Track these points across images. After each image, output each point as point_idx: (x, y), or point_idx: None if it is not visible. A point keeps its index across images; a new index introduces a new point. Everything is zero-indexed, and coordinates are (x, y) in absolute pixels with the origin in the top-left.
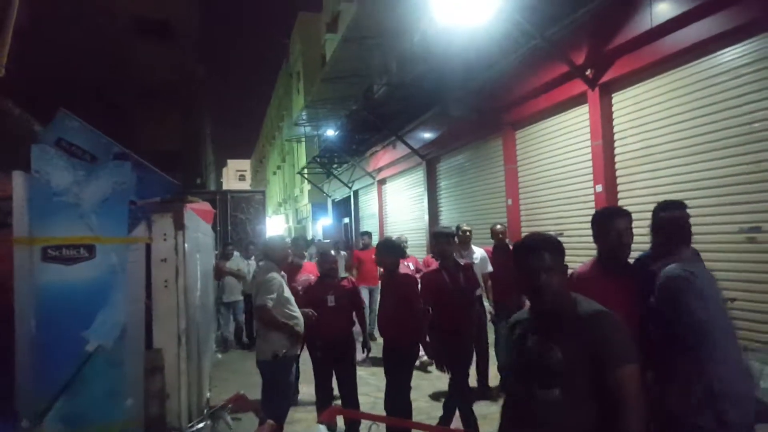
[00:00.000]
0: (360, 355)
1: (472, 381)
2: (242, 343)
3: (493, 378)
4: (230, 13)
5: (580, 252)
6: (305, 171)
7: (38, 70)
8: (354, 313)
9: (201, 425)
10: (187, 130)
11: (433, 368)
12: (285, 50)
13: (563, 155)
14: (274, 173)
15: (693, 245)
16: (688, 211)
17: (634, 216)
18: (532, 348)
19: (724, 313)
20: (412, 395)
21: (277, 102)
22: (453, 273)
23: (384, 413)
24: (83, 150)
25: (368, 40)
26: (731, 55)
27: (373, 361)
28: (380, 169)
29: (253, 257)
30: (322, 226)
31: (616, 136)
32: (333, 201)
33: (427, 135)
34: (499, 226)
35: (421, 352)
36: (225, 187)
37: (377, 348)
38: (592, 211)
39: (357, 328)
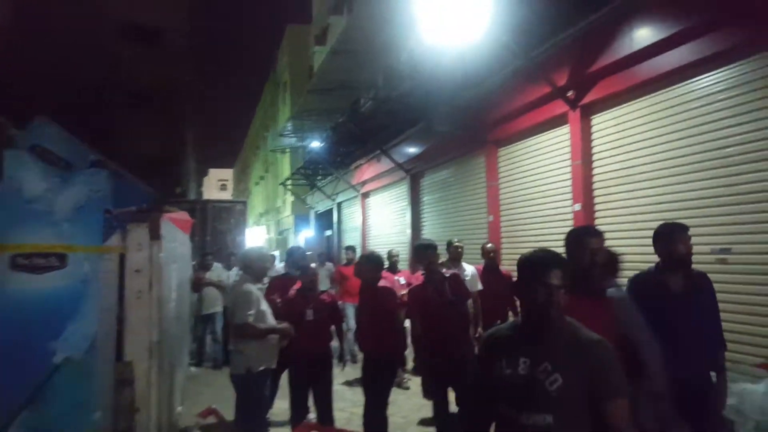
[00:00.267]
0: (336, 370)
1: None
2: (214, 360)
3: None
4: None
5: None
6: (288, 182)
7: (16, 73)
8: (334, 328)
9: None
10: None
11: (410, 384)
12: (272, 61)
13: (544, 174)
14: (257, 183)
15: None
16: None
17: (610, 235)
18: (527, 371)
19: None
20: (389, 410)
21: (262, 112)
22: (439, 286)
23: (360, 429)
24: (59, 157)
25: (356, 54)
26: (707, 81)
27: (352, 376)
28: (364, 183)
29: (235, 268)
30: (304, 238)
31: (594, 157)
32: (316, 213)
33: (412, 150)
34: (489, 245)
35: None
36: (206, 196)
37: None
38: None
39: (336, 342)
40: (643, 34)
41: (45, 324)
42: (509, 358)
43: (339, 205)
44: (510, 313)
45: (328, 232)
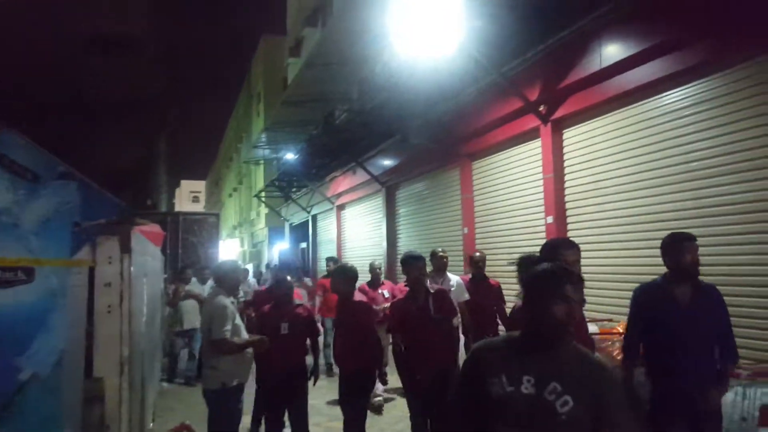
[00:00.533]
0: (311, 384)
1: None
2: (187, 376)
3: None
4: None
5: None
6: (263, 194)
7: None
8: (309, 342)
9: None
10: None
11: (383, 403)
12: (246, 72)
13: (517, 187)
14: (230, 195)
15: (635, 275)
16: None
17: (582, 246)
18: (533, 391)
19: None
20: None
21: (235, 123)
22: (423, 302)
23: None
24: (26, 168)
25: (331, 66)
26: (673, 97)
27: (327, 390)
28: (339, 195)
29: (209, 281)
30: (278, 250)
31: (566, 170)
32: (291, 225)
33: (387, 162)
34: (478, 254)
35: (377, 391)
36: (177, 208)
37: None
38: (543, 241)
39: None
40: (612, 51)
41: (11, 339)
42: (510, 375)
43: (314, 217)
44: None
45: (303, 245)
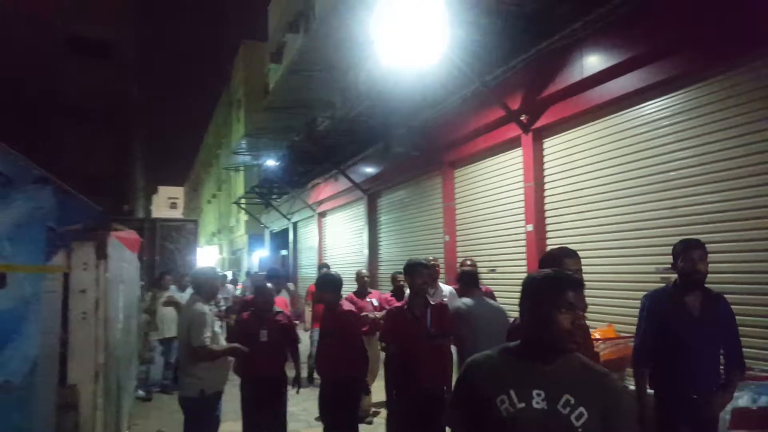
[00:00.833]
0: (291, 392)
1: None
2: (163, 384)
3: None
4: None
5: (511, 289)
6: (243, 201)
7: None
8: (289, 350)
9: None
10: (117, 154)
11: (373, 419)
12: (226, 77)
13: (498, 195)
14: (209, 202)
15: (614, 282)
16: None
17: None
18: (545, 405)
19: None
20: None
21: (215, 129)
22: (420, 313)
23: None
24: None
25: (313, 72)
26: (652, 108)
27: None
28: (321, 202)
29: (188, 289)
30: (258, 257)
31: (546, 179)
32: (271, 232)
33: (369, 170)
34: (469, 262)
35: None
36: (155, 214)
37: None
38: (524, 249)
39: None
40: (593, 62)
41: None
42: (519, 390)
43: (295, 224)
44: None
45: (284, 252)
